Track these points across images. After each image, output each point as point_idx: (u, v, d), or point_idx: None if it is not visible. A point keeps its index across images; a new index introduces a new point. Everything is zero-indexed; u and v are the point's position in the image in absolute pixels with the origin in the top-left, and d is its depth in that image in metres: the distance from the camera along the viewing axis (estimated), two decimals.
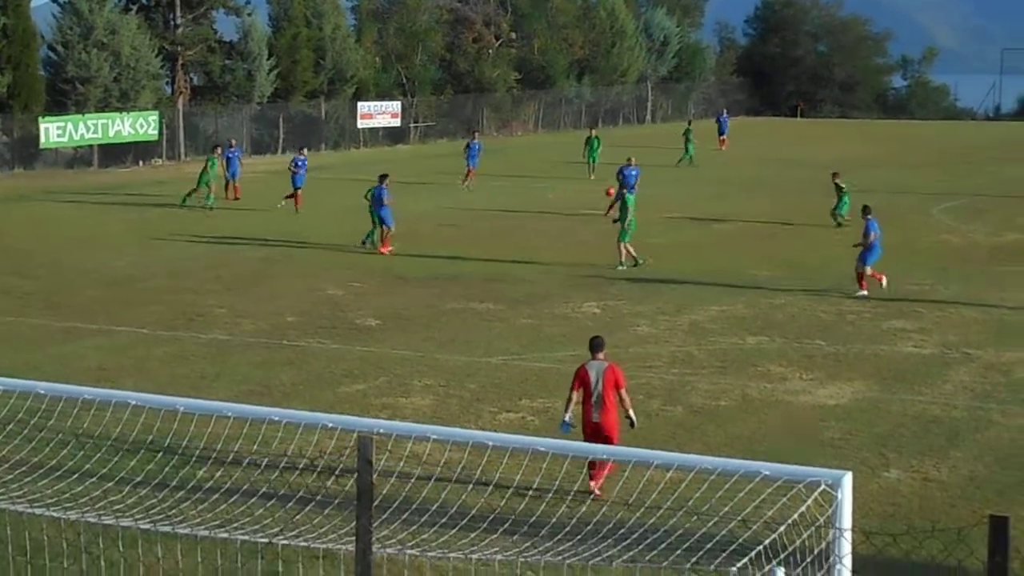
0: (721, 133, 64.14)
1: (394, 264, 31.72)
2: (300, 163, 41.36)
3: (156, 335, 24.01)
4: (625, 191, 31.58)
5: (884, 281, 27.35)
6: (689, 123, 60.75)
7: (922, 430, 17.92)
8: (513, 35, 79.98)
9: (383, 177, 33.97)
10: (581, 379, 14.82)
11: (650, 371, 21.15)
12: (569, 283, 29.11)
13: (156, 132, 59.05)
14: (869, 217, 27.59)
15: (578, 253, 33.05)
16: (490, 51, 78.13)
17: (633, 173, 39.15)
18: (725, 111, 69.61)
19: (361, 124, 68.75)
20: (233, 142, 48.42)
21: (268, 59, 65.21)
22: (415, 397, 19.62)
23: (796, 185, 46.26)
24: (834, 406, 19.19)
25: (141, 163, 59.93)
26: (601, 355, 15.04)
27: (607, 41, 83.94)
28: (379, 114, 69.58)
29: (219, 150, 44.25)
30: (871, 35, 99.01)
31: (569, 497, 13.67)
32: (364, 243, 33.60)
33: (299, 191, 40.90)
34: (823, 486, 7.48)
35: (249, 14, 65.32)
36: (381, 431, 8.70)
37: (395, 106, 70.53)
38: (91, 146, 57.70)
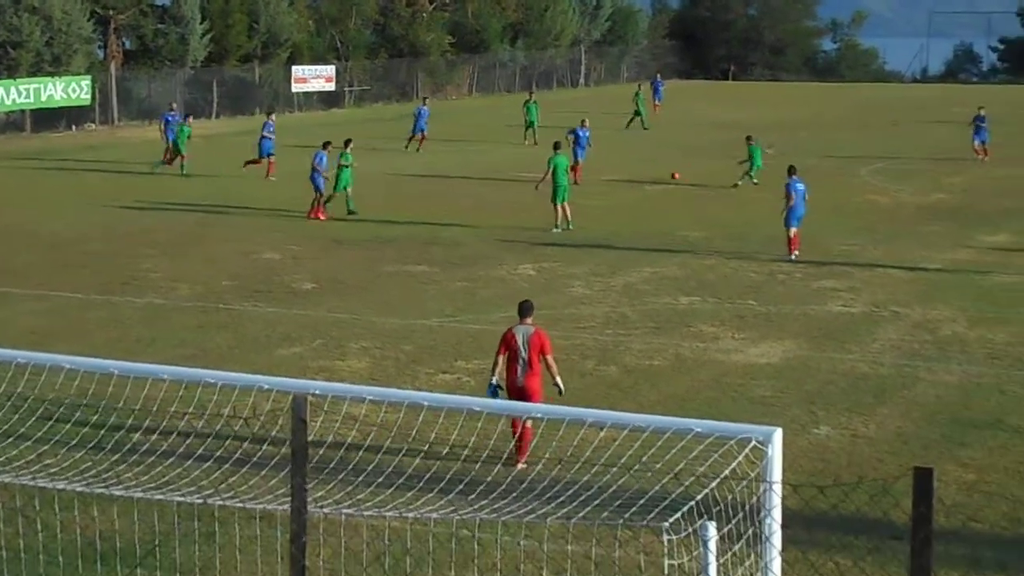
0: (656, 96, 64.23)
1: (330, 228, 31.55)
2: (269, 128, 40.57)
3: (91, 299, 23.76)
4: (556, 155, 31.46)
5: (795, 254, 27.01)
6: (639, 87, 60.74)
7: (851, 387, 18.12)
8: None
9: (326, 144, 33.49)
10: (508, 343, 14.73)
11: (584, 332, 21.22)
12: (504, 246, 29.11)
13: (89, 97, 58.21)
14: (793, 177, 27.47)
15: (514, 216, 33.03)
16: (424, 15, 77.63)
17: (584, 135, 39.38)
18: (659, 75, 69.70)
19: (296, 88, 68.15)
20: (174, 106, 47.92)
21: (201, 23, 64.46)
22: (351, 359, 19.57)
23: (725, 147, 46.33)
24: (765, 364, 19.36)
25: (74, 128, 59.04)
26: (529, 320, 14.96)
27: (540, 5, 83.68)
28: (313, 78, 69.03)
29: (190, 118, 43.80)
30: None
31: (504, 456, 13.71)
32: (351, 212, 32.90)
33: (271, 157, 40.04)
34: (753, 442, 7.52)
35: None
36: (317, 392, 8.65)
37: (329, 70, 70.00)
38: (23, 111, 56.81)
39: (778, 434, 7.57)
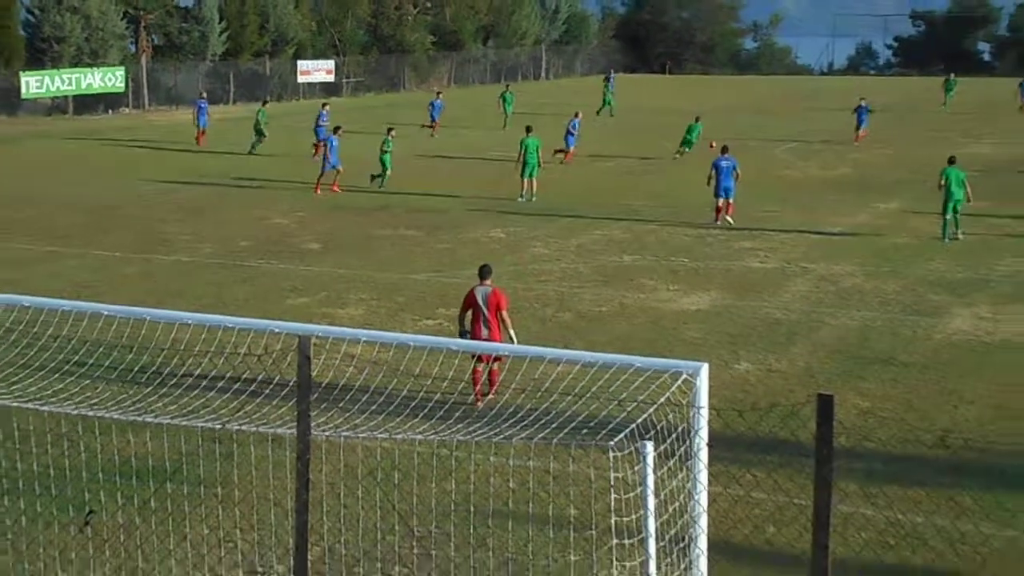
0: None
1: (332, 197, 31.35)
2: (323, 117, 38.93)
3: (128, 257, 23.55)
4: (527, 136, 31.24)
5: (722, 219, 26.94)
6: (607, 78, 60.52)
7: (767, 330, 18.17)
8: (429, 4, 78.87)
9: (336, 129, 33.17)
10: (469, 302, 14.52)
11: (545, 284, 21.20)
12: (478, 214, 29.00)
13: (123, 85, 57.59)
14: (721, 156, 27.43)
15: (486, 189, 32.93)
16: (409, 18, 77.00)
17: (575, 123, 38.94)
18: (612, 71, 69.48)
19: (301, 79, 67.63)
20: (204, 94, 47.27)
21: (219, 22, 63.81)
22: (350, 308, 19.49)
23: (664, 130, 46.29)
24: (695, 311, 19.39)
25: (110, 111, 58.40)
26: (488, 281, 14.53)
27: (508, 9, 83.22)
28: (316, 71, 68.65)
29: (266, 102, 42.77)
30: (726, 4, 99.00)
31: (470, 396, 13.69)
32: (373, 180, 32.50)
33: (321, 142, 37.66)
34: (684, 375, 7.53)
35: None
36: (320, 335, 8.59)
37: (330, 64, 69.64)
38: (66, 97, 56.15)
39: (705, 368, 7.58)
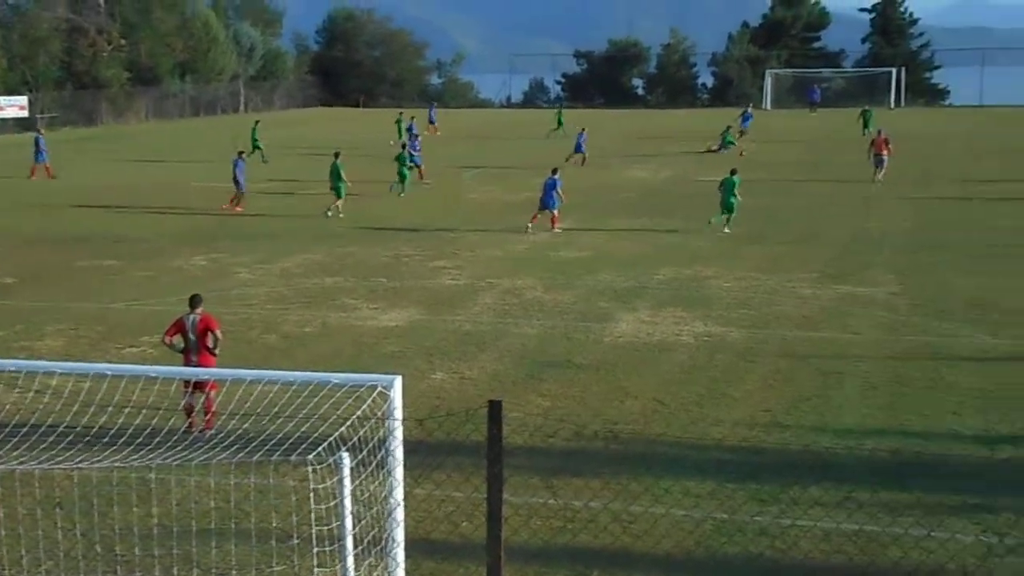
0: (432, 122, 64.05)
1: (24, 229, 29.30)
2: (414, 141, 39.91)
3: None
4: (335, 160, 32.22)
5: (534, 227, 29.08)
6: (560, 108, 61.83)
7: (459, 342, 18.45)
8: (123, 41, 75.46)
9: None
10: (178, 327, 14.10)
11: (250, 308, 20.67)
12: (180, 242, 27.94)
13: None
14: (553, 175, 29.42)
15: (188, 219, 31.78)
16: (104, 54, 73.36)
17: (416, 144, 41.03)
18: (435, 104, 69.83)
19: None
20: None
21: None
22: (49, 340, 18.27)
23: (359, 161, 46.09)
24: (393, 327, 19.44)
25: None
26: (199, 309, 14.12)
27: (203, 46, 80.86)
28: (8, 107, 65.06)
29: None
30: (414, 44, 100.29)
31: (179, 410, 13.14)
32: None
33: (420, 167, 39.20)
34: (379, 388, 7.51)
35: None
36: (12, 369, 7.97)
37: (22, 100, 65.96)
38: None
39: (398, 380, 7.58)
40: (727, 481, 12.05)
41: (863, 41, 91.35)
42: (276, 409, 8.16)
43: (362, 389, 7.62)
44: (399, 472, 7.34)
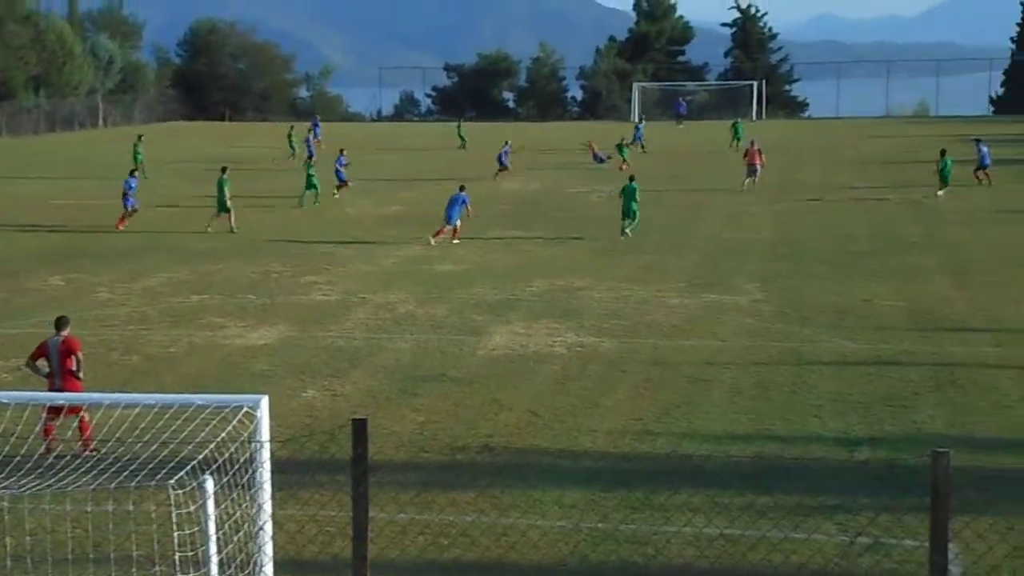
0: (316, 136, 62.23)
1: None
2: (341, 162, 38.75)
3: None
4: (222, 176, 32.07)
5: (439, 240, 29.32)
6: (460, 123, 61.48)
7: (331, 358, 18.26)
8: None
9: (133, 171, 33.57)
10: (42, 350, 13.67)
11: (110, 329, 20.08)
12: (37, 260, 26.99)
13: None
14: (460, 191, 29.90)
15: (47, 237, 30.72)
16: None
17: (341, 161, 40.34)
18: (318, 117, 68.31)
19: None
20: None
21: None
22: None
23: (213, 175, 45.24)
24: (263, 345, 19.14)
25: None
26: (64, 332, 13.75)
27: (59, 60, 78.36)
28: None
29: None
30: (280, 56, 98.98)
31: (35, 434, 12.66)
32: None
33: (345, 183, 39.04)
34: (246, 408, 7.39)
35: None
36: None
37: None
38: None
39: (265, 400, 7.48)
40: (600, 489, 12.22)
41: (725, 55, 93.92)
42: (137, 433, 7.95)
43: (227, 410, 7.48)
44: (266, 493, 7.23)
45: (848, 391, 16.09)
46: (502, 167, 45.28)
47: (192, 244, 29.70)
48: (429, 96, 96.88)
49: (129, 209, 32.52)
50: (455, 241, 29.69)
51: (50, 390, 13.44)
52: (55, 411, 13.04)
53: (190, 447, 7.71)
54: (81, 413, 13.14)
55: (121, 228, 32.03)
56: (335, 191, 39.41)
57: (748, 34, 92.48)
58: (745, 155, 41.38)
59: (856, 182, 42.18)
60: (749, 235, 30.69)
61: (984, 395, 15.80)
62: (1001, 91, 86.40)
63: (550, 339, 19.38)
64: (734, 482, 12.35)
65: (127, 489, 7.91)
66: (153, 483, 7.54)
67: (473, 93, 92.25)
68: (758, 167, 39.96)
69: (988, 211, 34.46)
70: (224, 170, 32.55)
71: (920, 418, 14.85)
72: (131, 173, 33.48)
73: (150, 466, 7.95)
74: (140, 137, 47.84)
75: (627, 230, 30.08)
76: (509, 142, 47.53)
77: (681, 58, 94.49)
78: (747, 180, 39.77)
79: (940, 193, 37.14)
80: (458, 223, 29.90)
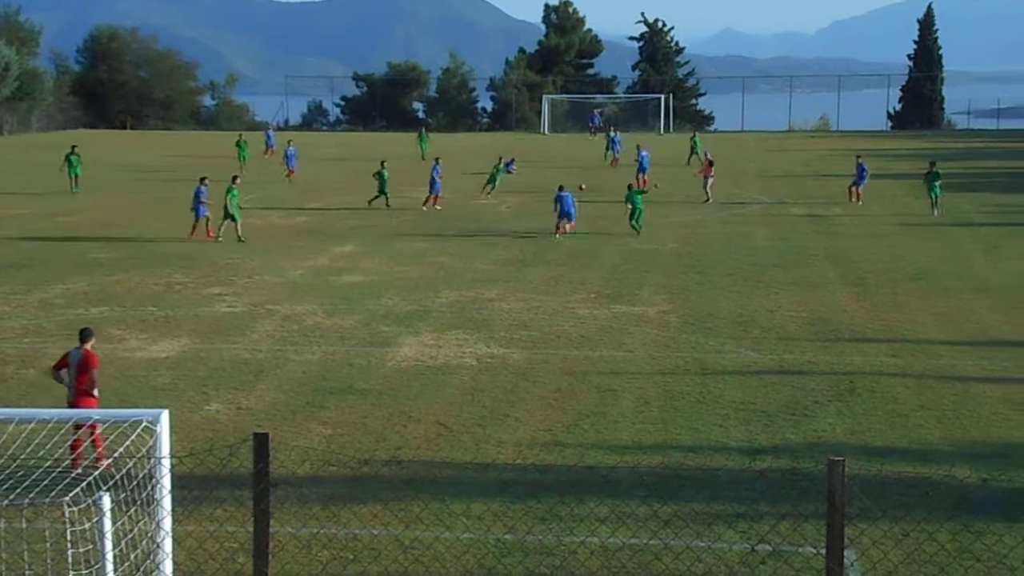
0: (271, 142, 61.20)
1: None
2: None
3: None
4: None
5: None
6: (421, 133, 61.18)
7: (235, 371, 18.02)
8: None
9: (203, 179, 32.62)
10: (65, 362, 13.45)
11: (5, 342, 19.54)
12: None
13: None
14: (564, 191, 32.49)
15: None
16: None
17: (645, 155, 44.86)
18: (271, 127, 67.14)
19: None
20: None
21: None
22: None
23: (129, 185, 44.40)
24: (165, 358, 18.80)
25: None
26: (87, 344, 13.43)
27: None
28: None
29: None
30: (183, 64, 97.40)
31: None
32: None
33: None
34: (145, 423, 7.25)
35: None
36: None
37: None
38: None
39: (165, 415, 7.34)
40: (509, 501, 12.25)
41: (633, 68, 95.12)
42: (30, 448, 7.74)
43: (126, 424, 7.34)
44: (165, 509, 7.10)
45: (752, 400, 16.38)
46: (432, 191, 43.88)
47: (91, 254, 29.03)
48: (338, 105, 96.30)
49: (200, 218, 31.82)
50: (568, 230, 32.28)
51: (67, 403, 13.20)
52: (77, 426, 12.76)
53: (86, 463, 7.53)
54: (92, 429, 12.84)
55: (210, 236, 31.45)
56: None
57: (655, 48, 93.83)
58: (701, 171, 42.79)
59: (760, 196, 43.04)
60: (656, 247, 31.08)
61: (882, 404, 16.23)
62: (899, 107, 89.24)
63: (460, 350, 19.37)
64: (639, 492, 12.48)
65: (19, 507, 7.69)
66: (47, 500, 7.35)
67: (383, 103, 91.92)
68: (709, 178, 41.11)
69: (887, 224, 35.44)
70: (235, 179, 32.75)
71: (820, 427, 15.19)
72: (201, 181, 32.45)
73: (44, 483, 7.75)
74: (74, 148, 45.48)
75: (636, 227, 32.77)
76: (514, 158, 48.57)
77: (590, 71, 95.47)
78: (707, 191, 40.88)
79: (936, 212, 36.48)
80: (574, 218, 32.52)
